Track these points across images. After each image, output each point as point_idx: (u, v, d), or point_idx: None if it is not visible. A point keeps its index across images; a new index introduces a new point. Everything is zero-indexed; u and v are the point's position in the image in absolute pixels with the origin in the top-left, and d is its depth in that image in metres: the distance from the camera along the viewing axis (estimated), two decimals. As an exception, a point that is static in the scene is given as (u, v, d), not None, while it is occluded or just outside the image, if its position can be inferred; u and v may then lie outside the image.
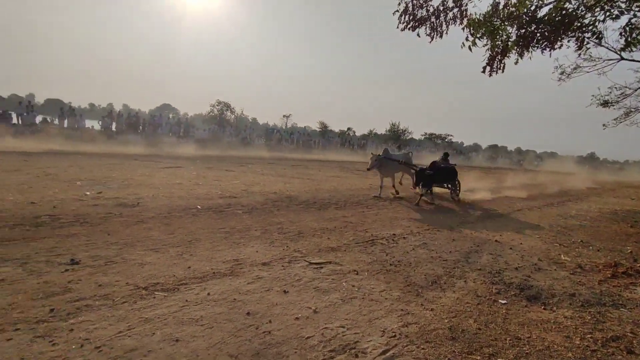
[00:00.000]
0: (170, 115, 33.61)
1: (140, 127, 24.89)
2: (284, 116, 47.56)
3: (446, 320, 2.98)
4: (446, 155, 10.31)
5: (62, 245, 3.92)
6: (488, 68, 3.84)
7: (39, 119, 20.79)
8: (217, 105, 33.06)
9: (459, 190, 9.96)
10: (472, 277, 4.13)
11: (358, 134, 45.34)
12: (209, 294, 3.08)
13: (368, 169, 8.95)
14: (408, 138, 43.71)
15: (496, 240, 5.95)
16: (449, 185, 9.91)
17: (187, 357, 2.23)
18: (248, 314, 2.79)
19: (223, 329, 2.57)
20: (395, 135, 42.15)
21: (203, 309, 2.80)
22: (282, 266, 3.92)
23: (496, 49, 3.50)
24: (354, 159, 24.60)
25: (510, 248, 5.54)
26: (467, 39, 3.61)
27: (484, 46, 3.74)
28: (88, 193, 6.64)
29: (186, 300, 2.92)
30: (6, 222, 4.46)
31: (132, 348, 2.25)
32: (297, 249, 4.58)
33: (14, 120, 19.45)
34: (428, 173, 8.51)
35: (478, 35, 3.30)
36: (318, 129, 44.18)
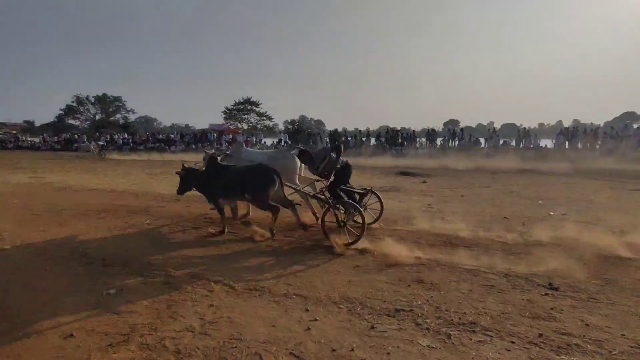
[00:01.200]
0: (635, 125, 26.62)
1: (599, 143, 21.76)
2: None
3: None
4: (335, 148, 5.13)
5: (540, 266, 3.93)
6: None
7: (500, 142, 23.83)
8: None
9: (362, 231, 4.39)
10: None
11: None
12: None
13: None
14: None
15: None
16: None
17: None
18: None
19: None
20: None
21: None
22: None
23: None
24: None
25: None
26: None
27: None
28: (552, 213, 6.47)
29: None
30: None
31: None
32: None
33: (482, 144, 23.76)
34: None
35: None
36: None
